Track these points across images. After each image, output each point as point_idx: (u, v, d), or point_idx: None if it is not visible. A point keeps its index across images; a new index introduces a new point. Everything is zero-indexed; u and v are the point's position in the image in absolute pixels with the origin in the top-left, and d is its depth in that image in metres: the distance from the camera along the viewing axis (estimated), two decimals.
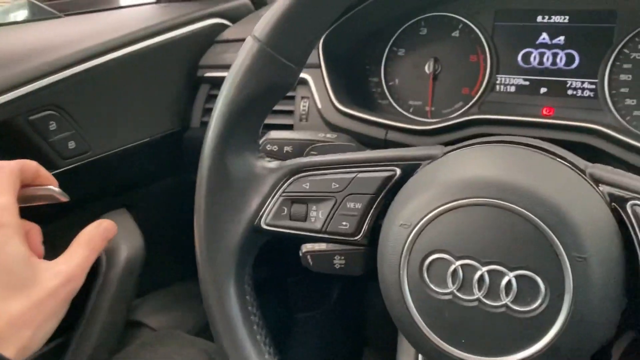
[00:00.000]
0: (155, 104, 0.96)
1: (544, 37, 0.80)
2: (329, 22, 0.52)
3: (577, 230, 0.42)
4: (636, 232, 0.44)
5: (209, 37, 1.02)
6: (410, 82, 0.89)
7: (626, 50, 0.76)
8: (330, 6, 0.50)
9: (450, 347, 0.46)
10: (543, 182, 0.45)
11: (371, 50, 0.90)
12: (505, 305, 0.44)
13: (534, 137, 0.73)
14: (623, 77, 0.76)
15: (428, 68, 0.86)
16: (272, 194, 0.55)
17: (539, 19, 0.81)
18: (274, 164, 0.57)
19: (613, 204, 0.46)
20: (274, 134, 0.68)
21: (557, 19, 0.80)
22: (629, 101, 0.76)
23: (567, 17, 0.79)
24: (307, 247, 0.60)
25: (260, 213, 0.55)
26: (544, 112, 0.81)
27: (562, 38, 0.79)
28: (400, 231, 0.48)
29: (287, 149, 0.67)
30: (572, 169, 0.49)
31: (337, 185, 0.54)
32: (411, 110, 0.89)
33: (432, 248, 0.46)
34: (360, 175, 0.54)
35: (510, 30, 0.82)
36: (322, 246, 0.62)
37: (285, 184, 0.55)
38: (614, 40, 0.76)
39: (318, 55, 0.83)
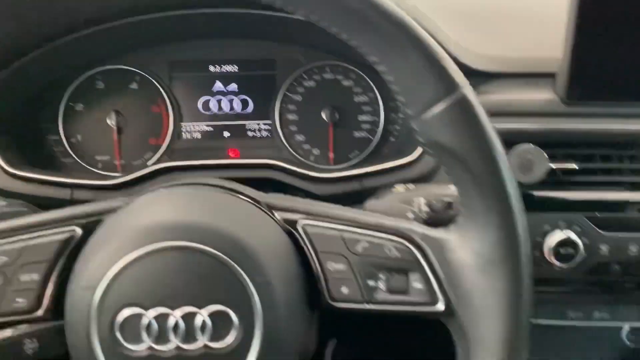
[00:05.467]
0: None
1: (219, 85, 0.86)
2: None
3: (258, 257, 0.45)
4: (307, 247, 0.49)
5: None
6: (95, 137, 0.84)
7: (289, 94, 0.86)
8: None
9: None
10: (222, 219, 0.47)
11: (45, 107, 0.83)
12: (204, 346, 0.43)
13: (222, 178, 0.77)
14: (290, 116, 0.86)
15: (111, 121, 0.83)
16: None
17: (212, 68, 0.86)
18: None
19: (287, 226, 0.51)
20: None
21: (227, 68, 0.86)
22: (298, 137, 0.86)
23: (236, 66, 0.86)
24: None
25: None
26: (230, 155, 0.87)
27: (234, 85, 0.86)
28: (85, 294, 0.44)
29: None
30: (251, 202, 0.52)
31: (6, 258, 0.47)
32: (100, 165, 0.84)
33: (121, 304, 0.43)
34: (33, 241, 0.48)
35: (187, 80, 0.86)
36: (7, 333, 0.53)
37: None
38: (277, 86, 0.86)
39: None
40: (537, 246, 0.74)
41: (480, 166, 0.44)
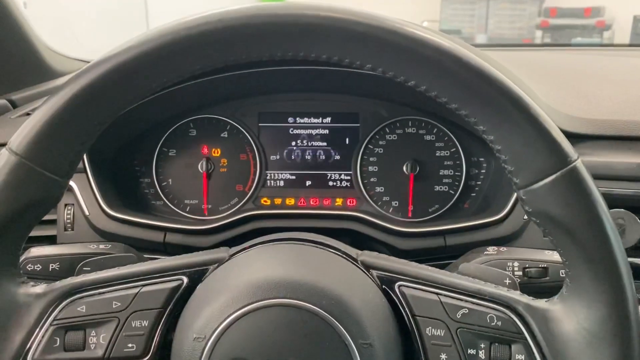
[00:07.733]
0: None
1: (303, 136, 0.89)
2: (97, 131, 0.48)
3: (359, 318, 0.46)
4: (404, 309, 0.50)
5: None
6: (185, 182, 0.88)
7: (370, 146, 0.88)
8: (98, 115, 0.47)
9: None
10: (324, 276, 0.49)
11: (140, 152, 0.88)
12: None
13: (306, 228, 0.79)
14: (371, 168, 0.88)
15: (201, 167, 0.87)
16: (40, 324, 0.48)
17: (298, 120, 0.89)
18: (39, 287, 0.50)
19: (384, 286, 0.51)
20: (35, 251, 0.61)
21: (312, 120, 0.89)
22: (378, 189, 0.88)
23: (320, 119, 0.89)
24: None
25: (27, 348, 0.47)
26: (311, 203, 0.89)
27: (318, 137, 0.89)
28: (195, 345, 0.46)
29: (53, 266, 0.60)
30: (346, 259, 0.53)
31: (119, 304, 0.50)
32: (188, 209, 0.88)
33: (230, 357, 0.45)
34: (144, 289, 0.51)
35: (273, 130, 0.89)
36: None
37: (56, 311, 0.49)
38: (359, 138, 0.88)
39: (82, 159, 0.78)
40: None
41: (591, 240, 0.43)
